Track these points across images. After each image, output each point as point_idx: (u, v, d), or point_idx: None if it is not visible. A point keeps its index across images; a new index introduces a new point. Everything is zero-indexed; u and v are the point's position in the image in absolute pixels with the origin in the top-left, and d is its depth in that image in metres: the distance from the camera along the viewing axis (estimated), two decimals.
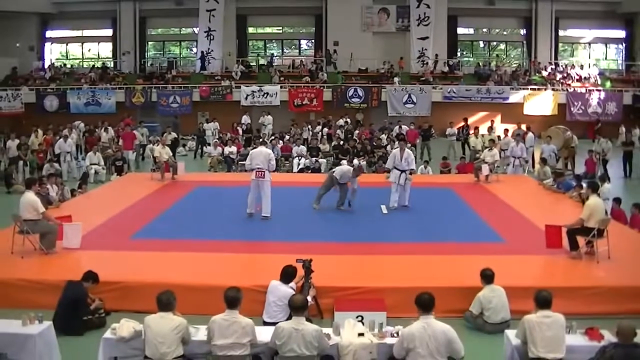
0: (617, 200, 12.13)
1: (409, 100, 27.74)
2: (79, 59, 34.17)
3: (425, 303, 5.60)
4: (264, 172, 11.63)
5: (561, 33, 31.83)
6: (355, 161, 17.27)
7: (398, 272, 8.62)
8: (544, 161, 16.50)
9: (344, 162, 18.52)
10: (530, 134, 19.78)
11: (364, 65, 30.40)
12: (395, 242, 10.42)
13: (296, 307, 5.76)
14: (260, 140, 19.48)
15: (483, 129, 21.36)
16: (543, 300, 5.89)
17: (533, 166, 19.39)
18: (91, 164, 17.70)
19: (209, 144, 22.51)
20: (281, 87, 28.25)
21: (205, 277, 8.26)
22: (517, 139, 17.75)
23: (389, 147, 19.56)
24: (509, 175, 16.98)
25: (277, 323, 5.99)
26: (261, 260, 8.91)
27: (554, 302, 5.90)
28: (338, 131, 23.23)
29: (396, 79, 28.76)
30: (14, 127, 23.15)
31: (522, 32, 32.44)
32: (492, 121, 24.28)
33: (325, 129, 23.43)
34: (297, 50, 33.65)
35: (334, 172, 12.80)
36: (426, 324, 5.51)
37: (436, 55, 30.32)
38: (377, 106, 27.92)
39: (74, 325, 7.15)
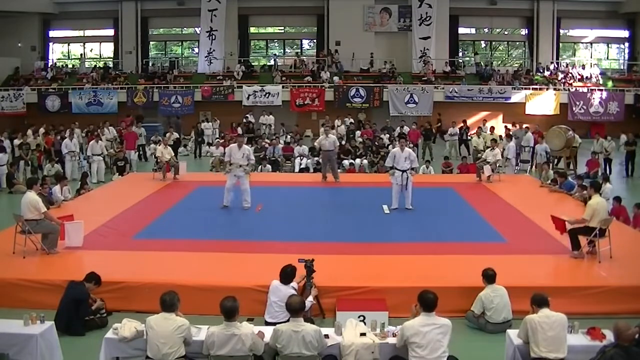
0: (617, 199, 12.15)
1: (411, 100, 27.73)
2: (80, 59, 34.21)
3: (430, 302, 5.66)
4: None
5: (563, 33, 31.80)
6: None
7: (400, 271, 8.61)
8: (547, 165, 16.47)
9: (346, 161, 18.66)
10: (529, 134, 19.79)
11: (365, 65, 30.39)
12: (397, 242, 10.40)
13: (293, 310, 5.75)
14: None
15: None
16: (540, 300, 5.92)
17: (535, 166, 19.38)
18: (93, 155, 17.61)
19: (210, 144, 22.55)
20: (283, 87, 28.25)
21: (206, 277, 8.26)
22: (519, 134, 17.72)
23: (390, 147, 19.57)
24: (510, 175, 16.95)
25: (279, 323, 5.97)
26: (262, 260, 8.88)
27: (556, 301, 5.90)
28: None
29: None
30: (17, 127, 23.17)
31: (524, 31, 32.39)
32: (485, 120, 24.23)
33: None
34: (299, 50, 33.65)
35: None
36: (428, 317, 5.61)
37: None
38: (379, 106, 27.92)
39: (75, 325, 7.15)
